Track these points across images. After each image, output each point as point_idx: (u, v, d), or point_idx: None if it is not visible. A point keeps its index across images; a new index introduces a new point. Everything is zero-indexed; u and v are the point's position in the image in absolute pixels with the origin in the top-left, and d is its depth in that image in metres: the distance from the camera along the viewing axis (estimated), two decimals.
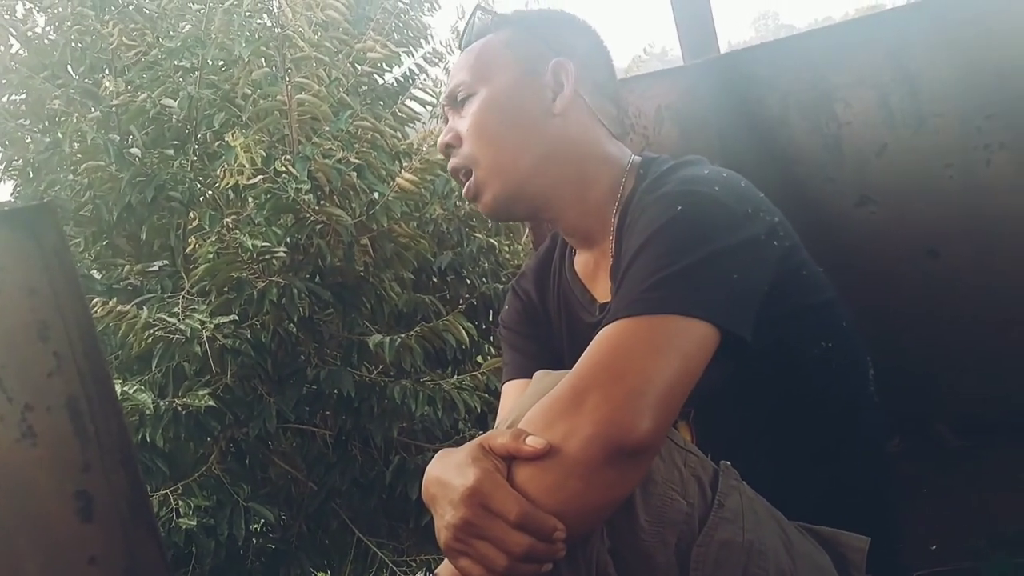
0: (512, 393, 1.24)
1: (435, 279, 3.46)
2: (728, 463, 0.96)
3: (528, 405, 0.90)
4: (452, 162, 1.21)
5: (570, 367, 0.92)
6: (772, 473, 1.01)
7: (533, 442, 0.83)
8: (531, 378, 1.05)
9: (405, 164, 2.55)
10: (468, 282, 3.40)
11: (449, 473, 0.86)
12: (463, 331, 2.65)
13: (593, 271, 1.23)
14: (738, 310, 0.94)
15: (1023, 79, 1.40)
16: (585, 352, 0.90)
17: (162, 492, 2.23)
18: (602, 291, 1.19)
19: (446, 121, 1.25)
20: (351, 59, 2.55)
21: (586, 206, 1.19)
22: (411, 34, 3.23)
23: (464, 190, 1.21)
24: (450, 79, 1.25)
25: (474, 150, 1.18)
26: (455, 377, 2.85)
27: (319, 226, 2.41)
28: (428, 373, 2.83)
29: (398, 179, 2.45)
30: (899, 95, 1.50)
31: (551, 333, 1.29)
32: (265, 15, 2.63)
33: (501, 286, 3.21)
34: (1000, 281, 1.46)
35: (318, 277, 2.56)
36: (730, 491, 0.93)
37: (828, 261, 1.26)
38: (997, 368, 1.50)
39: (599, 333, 0.92)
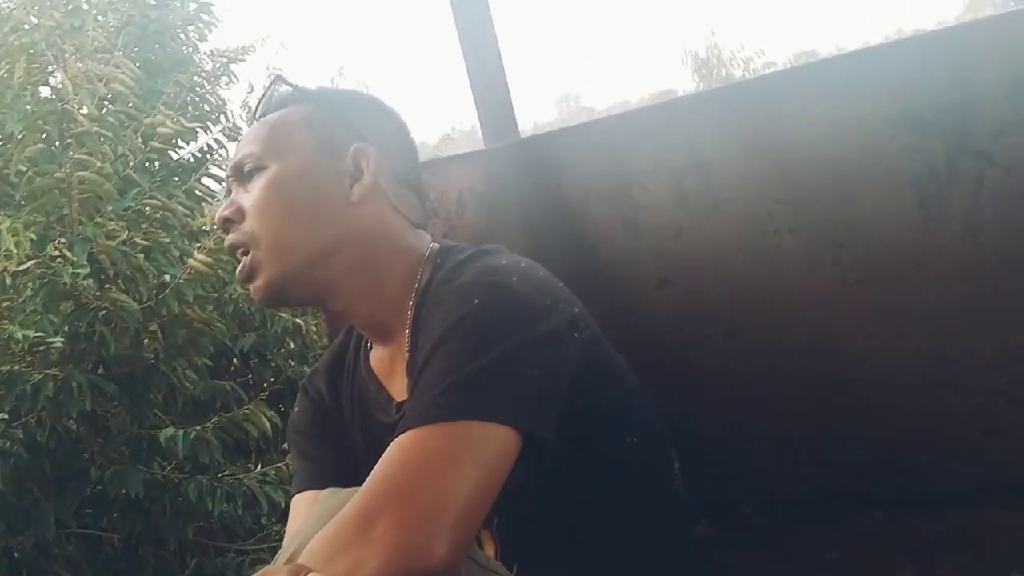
0: (302, 507, 1.13)
1: (236, 363, 3.29)
2: None
3: (312, 531, 0.81)
4: (230, 238, 1.12)
5: (367, 473, 0.84)
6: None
7: None
8: (324, 488, 0.96)
9: (199, 244, 2.41)
10: (273, 365, 3.26)
11: None
12: (265, 420, 2.51)
13: (390, 367, 1.15)
14: (539, 410, 0.89)
15: (806, 166, 1.46)
16: (375, 468, 0.82)
17: None
18: (399, 389, 1.12)
19: (228, 193, 1.15)
20: (139, 134, 2.39)
21: (380, 298, 1.12)
22: (208, 108, 3.11)
23: (237, 269, 1.11)
24: (238, 149, 1.16)
25: (256, 228, 1.09)
26: (258, 469, 2.69)
27: (102, 313, 2.22)
28: (228, 466, 2.66)
29: (191, 260, 2.31)
30: (692, 180, 1.53)
31: (346, 436, 1.20)
32: (44, 88, 2.45)
33: (308, 368, 3.07)
34: (791, 362, 1.50)
35: (101, 368, 2.36)
36: None
37: (631, 344, 1.25)
38: (794, 447, 1.53)
39: (390, 446, 0.84)
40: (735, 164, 1.51)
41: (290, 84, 1.20)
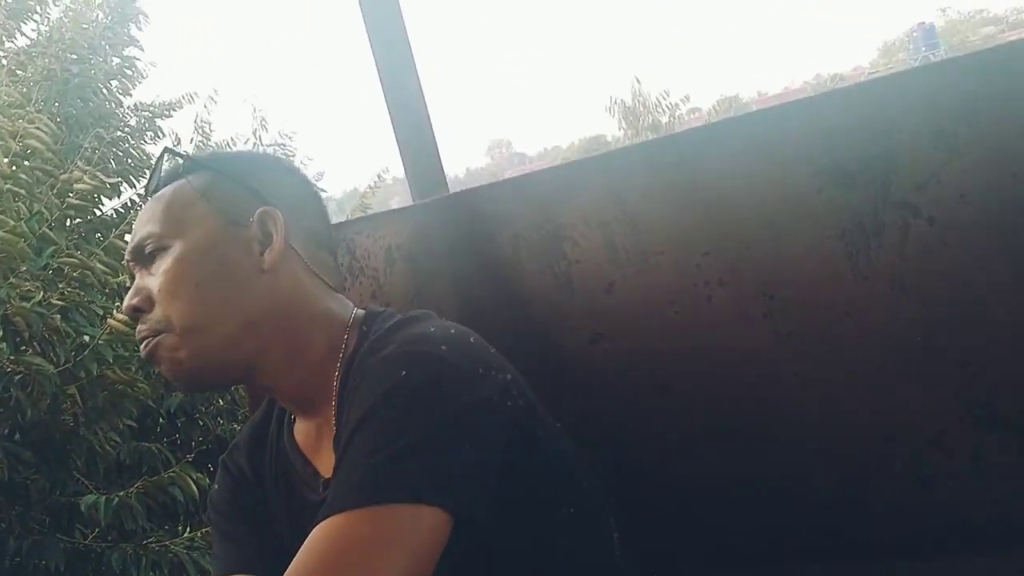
0: None
1: (162, 423, 3.19)
2: None
3: None
4: (141, 329, 1.04)
5: (292, 556, 0.79)
6: None
7: None
8: (245, 572, 0.90)
9: (119, 303, 2.32)
10: (201, 424, 3.17)
11: None
12: (192, 483, 2.42)
13: (316, 441, 1.10)
14: (471, 488, 0.85)
15: (734, 218, 1.46)
16: (295, 559, 0.77)
17: None
18: (327, 464, 1.06)
19: (131, 279, 1.09)
20: (55, 191, 2.31)
21: (304, 370, 1.06)
22: (131, 163, 3.05)
23: (154, 357, 1.04)
24: (135, 230, 1.08)
25: (168, 313, 1.02)
26: (185, 534, 2.59)
27: (18, 377, 2.12)
28: (154, 533, 2.56)
29: (111, 320, 2.23)
30: (623, 234, 1.52)
31: (270, 516, 1.14)
32: None
33: (239, 426, 2.99)
34: (726, 416, 1.49)
35: (18, 435, 2.25)
36: None
37: (566, 401, 1.22)
38: (731, 501, 1.52)
39: (312, 533, 0.79)
40: (664, 216, 1.50)
41: (181, 155, 1.14)
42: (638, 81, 17.13)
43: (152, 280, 1.04)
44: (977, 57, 1.37)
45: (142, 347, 1.03)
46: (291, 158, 7.81)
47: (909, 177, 1.35)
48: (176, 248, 1.03)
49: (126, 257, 1.10)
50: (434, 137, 1.68)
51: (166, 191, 1.10)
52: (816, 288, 1.42)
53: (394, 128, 1.69)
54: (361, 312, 1.11)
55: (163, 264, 1.03)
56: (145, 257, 1.06)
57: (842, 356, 1.42)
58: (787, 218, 1.43)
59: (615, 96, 17.37)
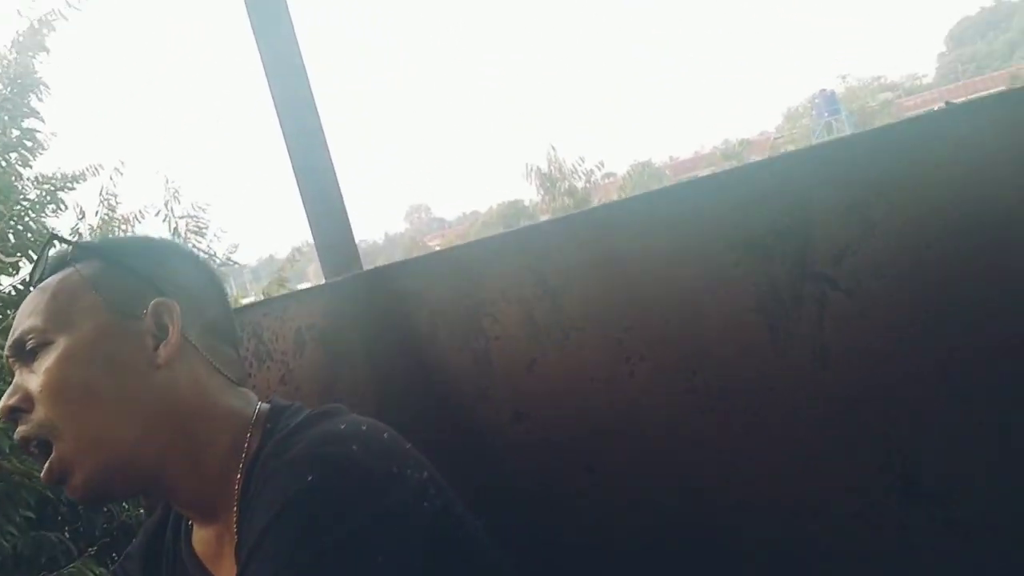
0: None
1: (64, 511, 3.02)
2: None
3: None
4: (21, 430, 0.94)
5: None
6: None
7: None
8: None
9: None
10: (105, 510, 3.00)
11: None
12: None
13: (216, 549, 1.01)
14: None
15: (654, 292, 1.44)
16: None
17: None
18: (229, 575, 0.98)
19: (11, 376, 1.00)
20: None
21: (202, 475, 0.98)
22: (31, 238, 2.92)
23: (44, 471, 0.94)
24: (16, 323, 0.99)
25: (52, 417, 0.93)
26: None
27: None
28: None
29: None
30: (543, 309, 1.49)
31: None
32: None
33: (144, 512, 2.84)
34: (652, 492, 1.46)
35: None
36: None
37: (489, 483, 1.17)
38: None
39: None
40: (585, 291, 1.48)
41: (69, 241, 1.06)
42: (554, 148, 17.51)
43: (33, 379, 0.95)
44: (889, 131, 1.40)
45: (44, 472, 0.93)
46: (204, 230, 7.66)
47: (825, 250, 1.35)
48: (61, 344, 0.95)
49: (5, 352, 1.01)
50: (345, 211, 1.63)
51: (52, 280, 1.02)
52: (737, 362, 1.41)
53: (303, 201, 1.64)
54: (266, 407, 1.04)
55: (46, 361, 0.94)
56: (26, 353, 0.97)
57: (765, 431, 1.40)
58: (706, 292, 1.42)
59: (531, 163, 17.71)
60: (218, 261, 8.78)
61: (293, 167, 1.59)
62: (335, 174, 1.62)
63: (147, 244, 1.10)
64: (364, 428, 0.92)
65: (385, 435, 0.94)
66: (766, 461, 1.41)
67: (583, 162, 17.83)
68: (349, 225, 1.63)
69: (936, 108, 1.41)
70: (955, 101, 1.51)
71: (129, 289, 1.00)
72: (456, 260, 1.56)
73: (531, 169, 17.43)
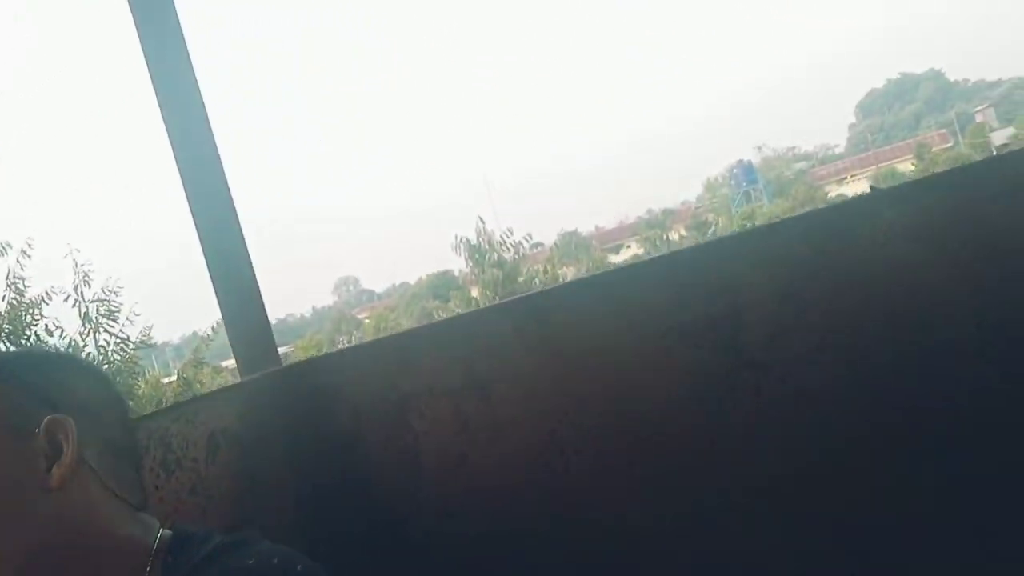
0: None
1: None
2: None
3: None
4: None
5: None
6: None
7: None
8: None
9: None
10: None
11: None
12: None
13: None
14: None
15: (586, 381, 1.40)
16: None
17: None
18: None
19: None
20: None
21: None
22: None
23: None
24: None
25: None
26: None
27: None
28: None
29: None
30: (472, 402, 1.43)
31: None
32: None
33: None
34: None
35: None
36: None
37: None
38: None
39: None
40: (516, 381, 1.43)
41: None
42: (482, 220, 17.68)
43: None
44: (818, 215, 1.40)
45: None
46: (116, 314, 7.42)
47: (758, 335, 1.33)
48: None
49: None
50: (262, 304, 1.55)
51: None
52: (675, 452, 1.37)
53: (216, 293, 1.55)
54: (168, 534, 0.95)
55: None
56: None
57: (706, 517, 1.36)
58: (642, 381, 1.38)
59: (460, 235, 17.85)
60: (131, 346, 8.49)
61: (205, 255, 1.51)
62: (249, 260, 1.53)
63: (42, 357, 1.01)
64: (276, 561, 0.84)
65: (299, 567, 0.86)
66: (702, 540, 1.36)
67: (511, 234, 18.08)
68: (265, 316, 1.55)
69: (862, 193, 1.42)
70: (879, 185, 1.53)
71: (21, 406, 0.92)
72: (380, 353, 1.49)
73: (460, 241, 17.62)
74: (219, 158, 1.59)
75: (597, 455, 1.41)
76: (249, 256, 1.52)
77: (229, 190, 1.58)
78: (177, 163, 1.55)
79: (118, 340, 7.79)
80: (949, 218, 1.29)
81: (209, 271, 1.50)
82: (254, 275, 1.55)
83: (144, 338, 8.09)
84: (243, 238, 1.53)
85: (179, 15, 1.59)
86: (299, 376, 1.48)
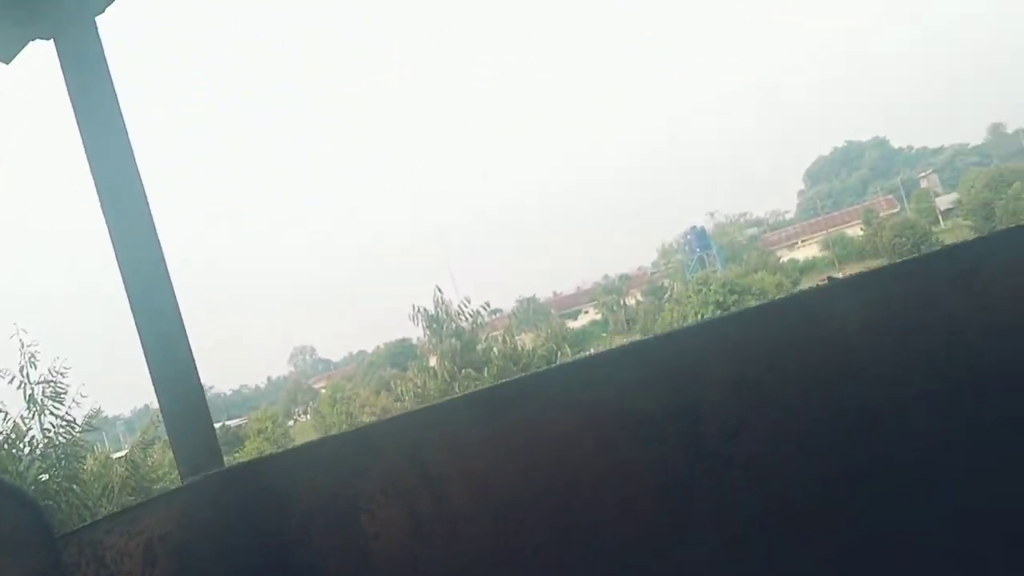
0: None
1: None
2: None
3: None
4: None
5: None
6: None
7: None
8: None
9: None
10: None
11: None
12: None
13: None
14: None
15: (545, 478, 1.37)
16: None
17: None
18: None
19: None
20: None
21: None
22: None
23: None
24: None
25: None
26: None
27: None
28: None
29: None
30: (426, 501, 1.37)
31: None
32: None
33: None
34: None
35: None
36: None
37: None
38: None
39: None
40: (472, 479, 1.38)
41: None
42: (439, 290, 17.60)
43: None
44: (776, 306, 1.38)
45: None
46: (62, 396, 7.19)
47: (718, 426, 1.30)
48: None
49: None
50: (204, 398, 1.48)
51: None
52: (638, 549, 1.32)
53: (156, 390, 1.48)
54: None
55: None
56: None
57: None
58: (603, 475, 1.33)
59: (418, 305, 17.74)
60: (77, 428, 8.22)
61: (145, 353, 1.44)
62: (190, 351, 1.46)
63: None
64: None
65: None
66: None
67: (469, 303, 18.03)
68: (207, 412, 1.47)
69: (819, 284, 1.42)
70: (836, 276, 1.52)
71: None
72: (328, 453, 1.43)
73: (417, 311, 17.49)
74: (159, 245, 1.53)
75: (562, 547, 1.36)
76: (192, 356, 1.46)
77: (170, 281, 1.52)
78: (120, 269, 1.48)
79: (64, 423, 7.55)
80: (906, 307, 1.28)
81: (149, 370, 1.43)
82: (198, 376, 1.49)
83: (91, 419, 7.84)
84: (189, 348, 1.46)
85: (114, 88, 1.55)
86: (244, 478, 1.41)
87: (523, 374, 1.48)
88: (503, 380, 1.49)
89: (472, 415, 1.39)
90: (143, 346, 1.44)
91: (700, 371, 1.32)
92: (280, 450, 1.45)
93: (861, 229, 34.69)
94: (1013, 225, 1.29)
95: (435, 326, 17.57)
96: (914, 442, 1.26)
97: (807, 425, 1.29)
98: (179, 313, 1.45)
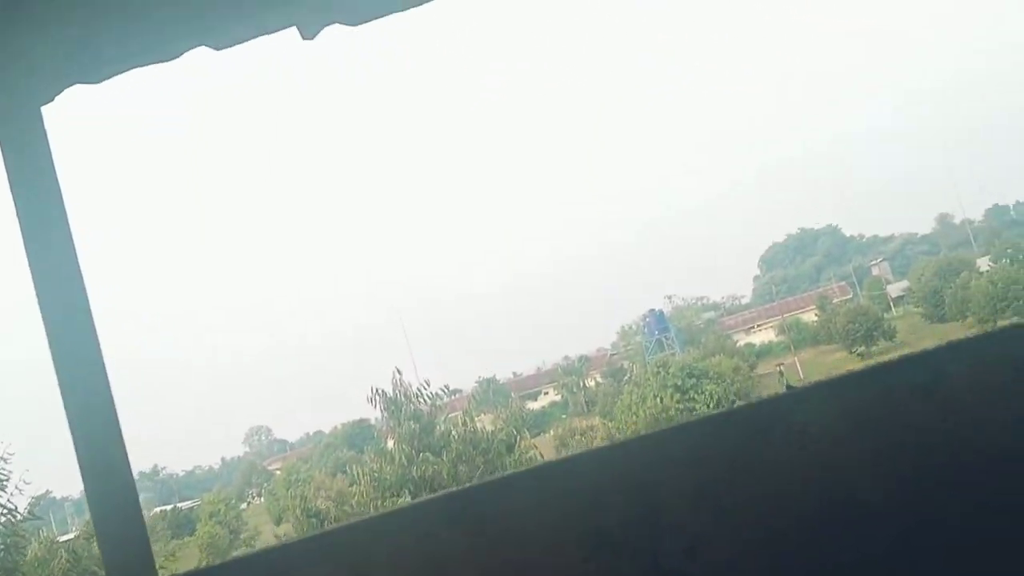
0: None
1: None
2: None
3: None
4: None
5: None
6: None
7: None
8: None
9: None
10: None
11: None
12: None
13: None
14: None
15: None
16: None
17: None
18: None
19: None
20: None
21: None
22: None
23: None
24: None
25: None
26: None
27: None
28: None
29: None
30: None
31: None
32: None
33: None
34: None
35: None
36: None
37: None
38: None
39: None
40: None
41: None
42: (399, 372, 17.46)
43: None
44: (736, 414, 1.35)
45: None
46: (5, 483, 6.93)
47: (676, 542, 1.25)
48: None
49: None
50: (139, 509, 1.38)
51: None
52: None
53: (87, 492, 1.38)
54: None
55: None
56: None
57: None
58: None
59: (376, 386, 17.57)
60: (19, 516, 7.92)
61: (79, 462, 1.35)
62: (123, 447, 1.37)
63: None
64: None
65: None
66: None
67: (428, 386, 17.89)
68: (142, 522, 1.38)
69: (777, 394, 1.40)
70: (794, 385, 1.50)
71: None
72: (266, 568, 1.34)
73: (376, 392, 17.28)
74: (96, 341, 1.46)
75: None
76: (127, 458, 1.38)
77: (107, 379, 1.44)
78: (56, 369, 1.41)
79: (5, 511, 7.24)
80: (865, 416, 1.26)
81: (82, 474, 1.35)
82: (132, 479, 1.40)
83: (33, 507, 7.55)
84: (128, 464, 1.38)
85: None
86: None
87: (473, 483, 1.42)
88: (452, 489, 1.43)
89: (420, 528, 1.32)
90: (76, 455, 1.36)
91: (659, 479, 1.29)
92: (213, 564, 1.37)
93: (815, 314, 35.21)
94: (973, 333, 1.28)
95: (393, 409, 17.36)
96: (877, 549, 1.23)
97: (774, 538, 1.25)
98: (119, 430, 1.37)
